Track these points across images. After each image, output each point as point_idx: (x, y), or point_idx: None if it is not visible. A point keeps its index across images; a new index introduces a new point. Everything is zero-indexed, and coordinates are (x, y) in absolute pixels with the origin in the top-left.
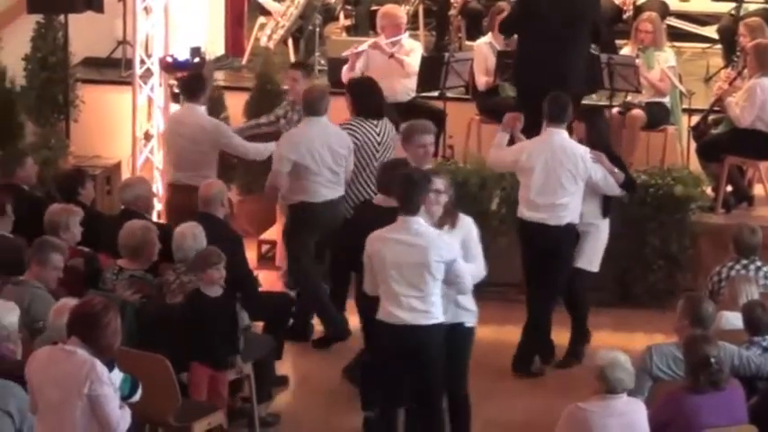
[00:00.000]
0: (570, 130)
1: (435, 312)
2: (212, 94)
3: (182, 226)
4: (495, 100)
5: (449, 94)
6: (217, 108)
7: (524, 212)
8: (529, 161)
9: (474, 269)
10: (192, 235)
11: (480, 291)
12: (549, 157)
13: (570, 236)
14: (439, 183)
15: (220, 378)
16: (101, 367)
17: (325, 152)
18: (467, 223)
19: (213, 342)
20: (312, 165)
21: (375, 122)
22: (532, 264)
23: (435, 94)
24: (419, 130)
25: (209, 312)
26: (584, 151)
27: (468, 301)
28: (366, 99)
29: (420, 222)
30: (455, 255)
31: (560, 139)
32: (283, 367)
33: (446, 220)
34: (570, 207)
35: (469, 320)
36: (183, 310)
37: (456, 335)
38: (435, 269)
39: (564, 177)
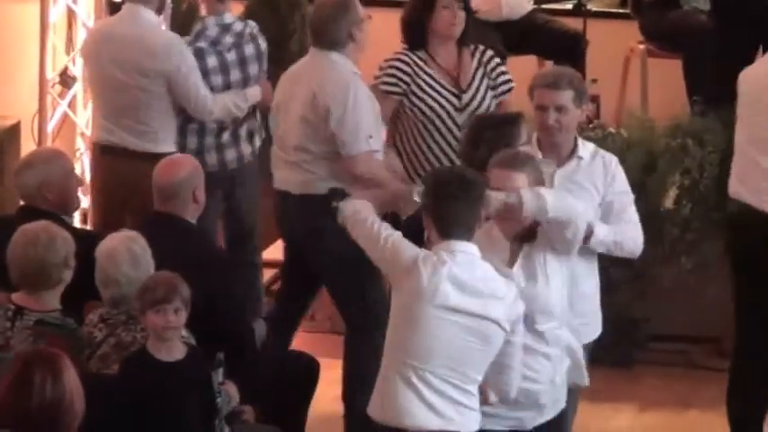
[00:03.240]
0: None
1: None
2: (182, 3)
3: (109, 240)
4: (673, 17)
5: (590, 7)
6: (188, 29)
7: (730, 188)
8: (741, 97)
9: None
10: (127, 255)
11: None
12: (757, 92)
13: None
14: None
15: None
16: None
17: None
18: None
19: None
20: None
21: None
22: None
23: (569, 6)
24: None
25: (159, 390)
26: None
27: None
28: None
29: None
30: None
31: None
32: None
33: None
34: None
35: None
36: (120, 387)
37: None
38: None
39: None
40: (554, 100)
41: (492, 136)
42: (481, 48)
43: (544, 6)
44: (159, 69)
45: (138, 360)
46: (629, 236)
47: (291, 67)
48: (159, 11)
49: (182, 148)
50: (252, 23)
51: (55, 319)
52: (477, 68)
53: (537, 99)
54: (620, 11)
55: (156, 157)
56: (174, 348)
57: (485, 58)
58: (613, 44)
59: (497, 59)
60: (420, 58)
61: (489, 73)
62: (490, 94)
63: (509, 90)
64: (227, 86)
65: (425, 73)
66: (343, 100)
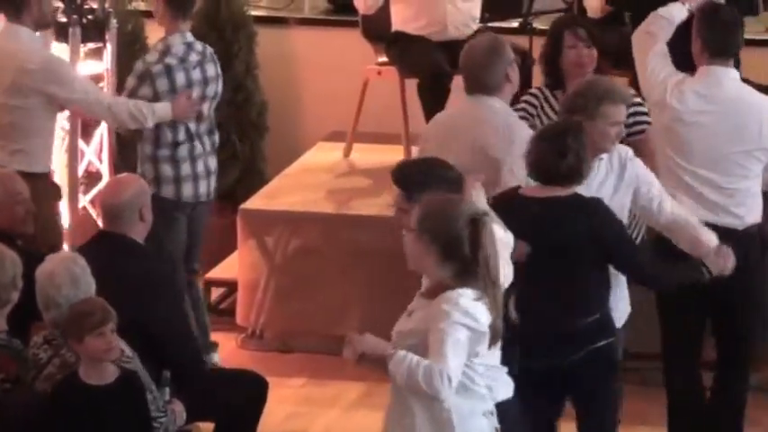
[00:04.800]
0: None
1: None
2: (127, 22)
3: (48, 262)
4: (618, 35)
5: (537, 25)
6: (134, 49)
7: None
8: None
9: None
10: (67, 276)
11: None
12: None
13: None
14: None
15: None
16: None
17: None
18: None
19: None
20: None
21: None
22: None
23: (514, 24)
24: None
25: (93, 416)
26: None
27: None
28: None
29: None
30: None
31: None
32: None
33: None
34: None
35: None
36: (51, 411)
37: None
38: None
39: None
40: (624, 114)
41: (574, 143)
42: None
43: (490, 25)
44: (38, 87)
45: (67, 385)
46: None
47: (442, 117)
48: (38, 26)
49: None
50: (207, 45)
51: (1, 340)
52: None
53: (611, 116)
54: None
55: (28, 177)
56: (106, 372)
57: None
58: None
59: (638, 99)
60: (553, 96)
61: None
62: None
63: (641, 131)
64: None
65: (552, 109)
66: (510, 148)
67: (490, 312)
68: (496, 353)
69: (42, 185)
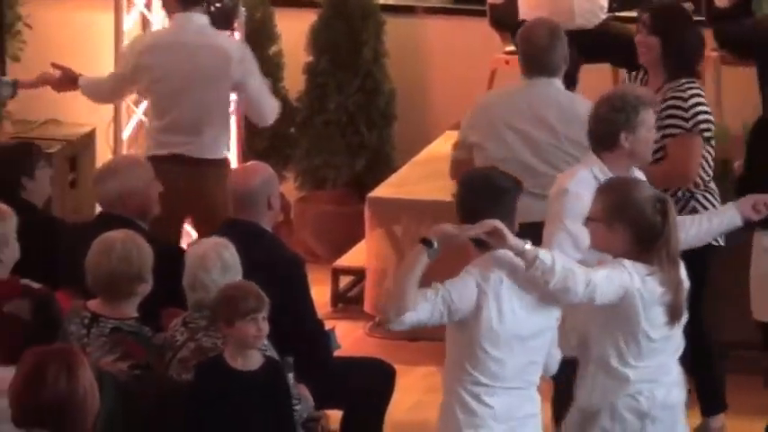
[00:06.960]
0: None
1: None
2: (255, 10)
3: (200, 245)
4: (747, 26)
5: None
6: (262, 37)
7: None
8: None
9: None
10: (219, 261)
11: None
12: None
13: None
14: None
15: None
16: None
17: None
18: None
19: None
20: None
21: None
22: None
23: None
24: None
25: (237, 401)
26: None
27: None
28: None
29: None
30: None
31: None
32: None
33: None
34: None
35: None
36: (192, 392)
37: None
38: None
39: None
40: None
41: None
42: (676, 85)
43: (618, 14)
44: (231, 75)
45: (212, 367)
46: None
47: (491, 99)
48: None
49: None
50: None
51: (131, 326)
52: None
53: (648, 121)
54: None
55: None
56: (252, 358)
57: (667, 96)
58: None
59: (679, 101)
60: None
61: (660, 112)
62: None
63: (669, 135)
64: None
65: None
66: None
67: (661, 288)
68: (674, 335)
69: (225, 172)
